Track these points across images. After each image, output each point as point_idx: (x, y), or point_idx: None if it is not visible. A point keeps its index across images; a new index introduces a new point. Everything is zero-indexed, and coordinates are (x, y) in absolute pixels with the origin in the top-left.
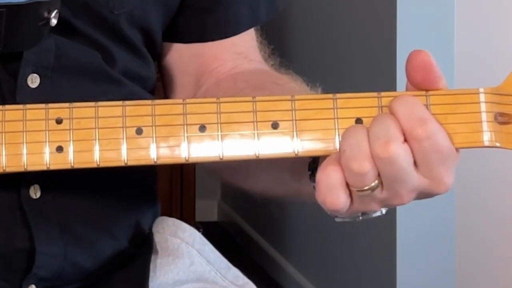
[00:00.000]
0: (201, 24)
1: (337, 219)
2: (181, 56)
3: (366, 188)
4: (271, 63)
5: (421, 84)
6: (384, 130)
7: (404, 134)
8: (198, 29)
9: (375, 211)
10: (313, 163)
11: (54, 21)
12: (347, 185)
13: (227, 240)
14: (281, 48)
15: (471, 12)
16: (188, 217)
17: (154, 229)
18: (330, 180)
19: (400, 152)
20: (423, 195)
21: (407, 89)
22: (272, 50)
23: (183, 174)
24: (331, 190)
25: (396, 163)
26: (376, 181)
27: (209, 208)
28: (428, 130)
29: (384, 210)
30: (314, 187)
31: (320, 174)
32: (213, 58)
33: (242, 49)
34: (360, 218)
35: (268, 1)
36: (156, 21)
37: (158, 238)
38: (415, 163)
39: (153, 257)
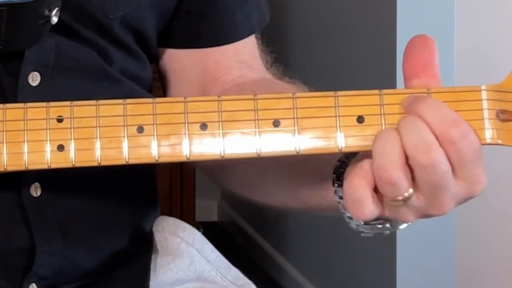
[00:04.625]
0: (197, 30)
1: (363, 234)
2: (182, 62)
3: (400, 198)
4: (273, 73)
5: (416, 64)
6: (420, 137)
7: (437, 139)
8: (193, 35)
9: (401, 224)
10: (337, 179)
11: (55, 19)
12: (379, 194)
13: (227, 240)
14: (282, 49)
15: (471, 11)
16: (188, 217)
17: (154, 228)
18: (355, 195)
19: (441, 158)
20: (462, 201)
21: (406, 88)
22: (274, 58)
23: (183, 174)
24: (357, 203)
25: (439, 169)
26: (411, 190)
27: (209, 208)
28: (462, 130)
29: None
30: (338, 202)
31: (346, 187)
32: (216, 65)
33: (246, 57)
34: (388, 232)
35: (259, 11)
36: (151, 24)
37: (158, 237)
38: (452, 169)
39: (153, 256)
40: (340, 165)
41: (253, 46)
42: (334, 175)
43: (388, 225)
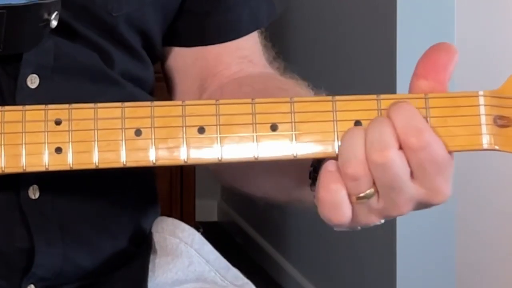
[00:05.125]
0: (201, 28)
1: (336, 228)
2: (184, 59)
3: (362, 195)
4: (275, 66)
5: (431, 63)
6: (380, 136)
7: (399, 143)
8: (198, 33)
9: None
10: (313, 172)
11: (54, 23)
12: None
13: (227, 240)
14: (282, 50)
15: (471, 12)
16: (188, 217)
17: (153, 229)
18: (334, 198)
19: (395, 159)
20: (421, 205)
21: (410, 89)
22: (276, 53)
23: (183, 174)
24: (336, 207)
25: (391, 170)
26: (372, 189)
27: (209, 208)
28: (423, 140)
29: (382, 220)
30: (314, 196)
31: (323, 193)
32: (216, 61)
33: (247, 53)
34: (359, 227)
35: (267, 5)
36: (155, 24)
37: (157, 237)
38: (411, 173)
39: (152, 257)
40: (314, 169)
41: (255, 42)
42: (312, 167)
43: None
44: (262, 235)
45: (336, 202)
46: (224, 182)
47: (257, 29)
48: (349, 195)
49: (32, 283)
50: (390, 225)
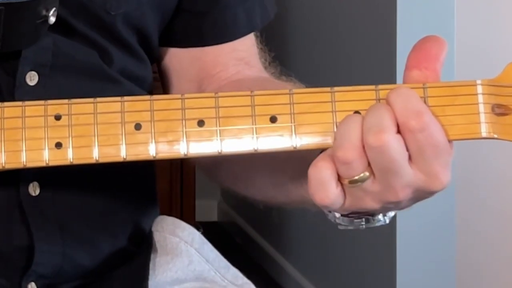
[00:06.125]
0: (198, 29)
1: (340, 227)
2: (181, 61)
3: (355, 178)
4: (271, 71)
5: (422, 54)
6: (377, 120)
7: (398, 126)
8: (195, 34)
9: (378, 220)
10: None
11: (52, 19)
12: (339, 178)
13: (227, 240)
14: (281, 50)
15: (471, 10)
16: (188, 217)
17: (153, 228)
18: (319, 175)
19: (392, 142)
20: (420, 193)
21: (404, 81)
22: (272, 57)
23: (183, 174)
24: (320, 185)
25: (388, 153)
26: (366, 173)
27: (209, 208)
28: (423, 122)
29: (387, 219)
30: None
31: (311, 169)
32: (213, 63)
33: (243, 55)
34: (364, 226)
35: (262, 8)
36: (152, 23)
37: (157, 237)
38: (410, 157)
39: (152, 256)
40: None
41: (251, 44)
42: None
43: (363, 219)
44: (262, 235)
45: (320, 180)
46: (222, 184)
47: (252, 31)
48: (341, 179)
49: (32, 281)
50: (390, 225)
